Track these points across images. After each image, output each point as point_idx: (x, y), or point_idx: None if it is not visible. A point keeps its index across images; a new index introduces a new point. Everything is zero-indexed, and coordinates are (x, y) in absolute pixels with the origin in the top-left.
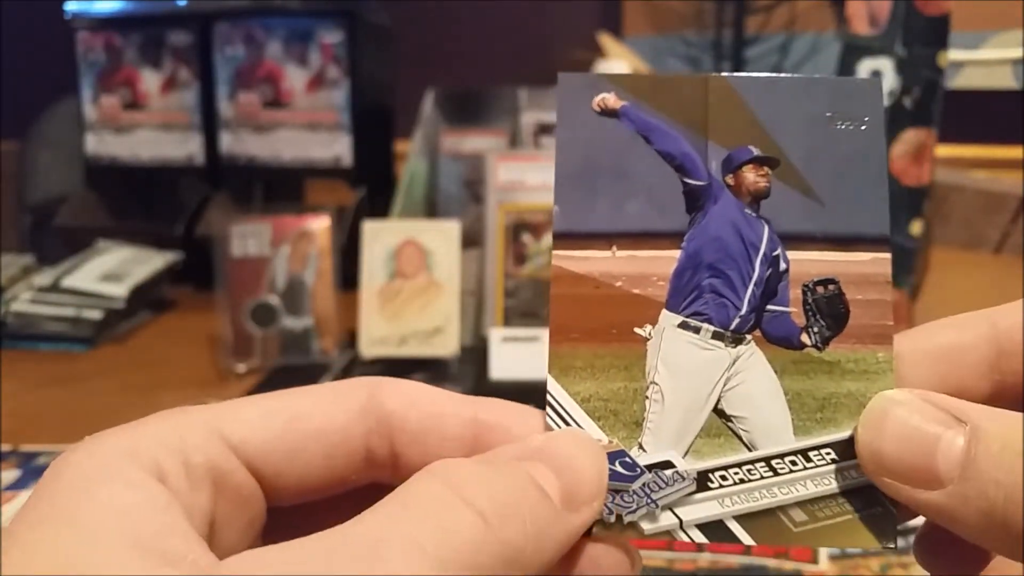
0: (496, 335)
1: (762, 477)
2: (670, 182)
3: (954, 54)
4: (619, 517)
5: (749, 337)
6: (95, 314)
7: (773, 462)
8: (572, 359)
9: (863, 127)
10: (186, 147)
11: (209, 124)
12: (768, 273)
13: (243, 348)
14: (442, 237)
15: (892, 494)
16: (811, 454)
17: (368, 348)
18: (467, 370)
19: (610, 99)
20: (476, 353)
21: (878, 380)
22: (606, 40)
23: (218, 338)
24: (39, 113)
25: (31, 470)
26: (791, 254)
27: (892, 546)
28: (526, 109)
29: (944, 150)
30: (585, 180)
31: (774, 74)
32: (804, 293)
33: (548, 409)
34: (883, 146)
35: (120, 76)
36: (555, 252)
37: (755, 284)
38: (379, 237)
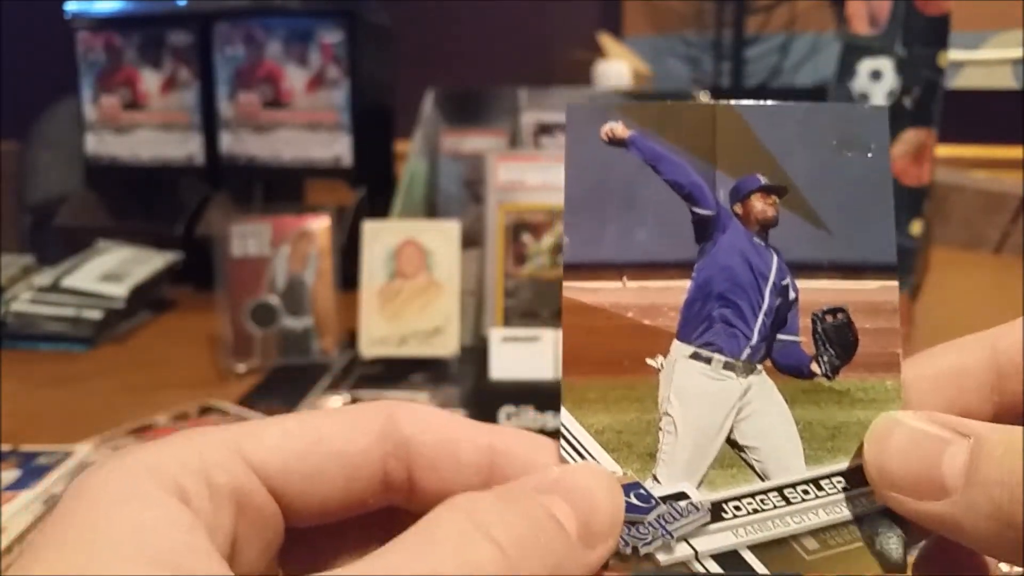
0: (496, 335)
1: (775, 507)
2: (679, 211)
3: (954, 54)
4: (635, 549)
5: (760, 367)
6: (95, 314)
7: (785, 491)
8: (585, 391)
9: (869, 154)
10: (186, 147)
11: (209, 124)
12: (778, 302)
13: (243, 348)
14: (442, 237)
15: (899, 508)
16: (823, 483)
17: (368, 348)
18: (467, 370)
19: (618, 129)
20: (476, 353)
21: (887, 408)
22: (606, 40)
23: (218, 338)
24: (39, 113)
25: (31, 470)
26: (800, 283)
27: (903, 572)
28: (526, 109)
29: (944, 150)
30: (594, 210)
31: (781, 103)
32: (813, 322)
33: (562, 441)
34: (889, 173)
35: (120, 76)
36: (565, 283)
37: (765, 314)
38: (379, 237)
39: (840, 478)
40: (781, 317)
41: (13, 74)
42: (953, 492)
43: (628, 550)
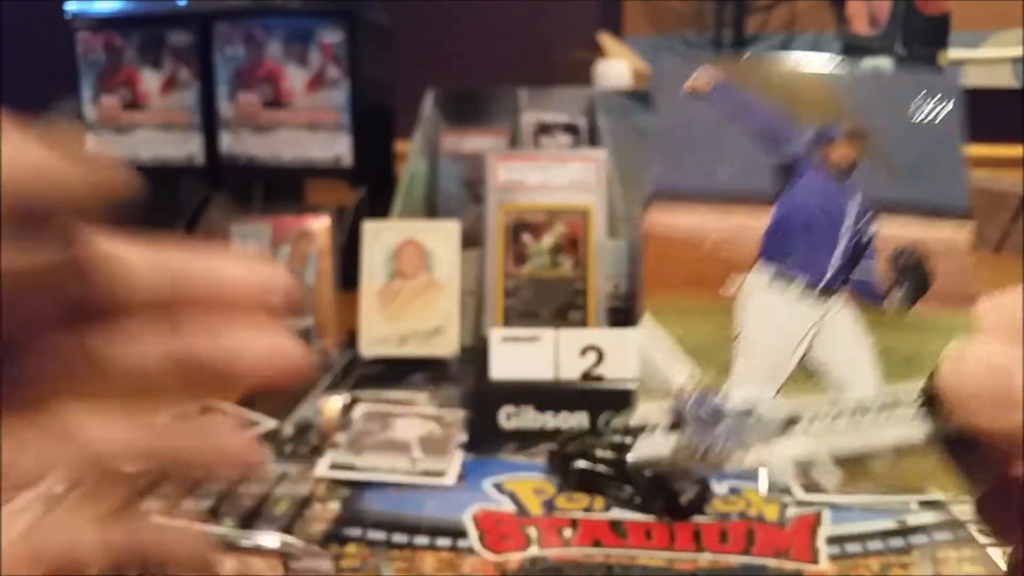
0: (496, 335)
1: (847, 422)
2: (759, 154)
3: (954, 53)
4: (707, 451)
5: (838, 294)
6: None
7: (858, 408)
8: (666, 303)
9: (943, 111)
10: (186, 147)
11: (209, 124)
12: (855, 239)
13: None
14: (442, 237)
15: (974, 423)
16: (895, 403)
17: (368, 348)
18: (467, 370)
19: (700, 82)
20: (476, 353)
21: (960, 338)
22: (606, 40)
23: None
24: (39, 113)
25: None
26: (878, 223)
27: (970, 494)
28: (526, 109)
29: None
30: (681, 147)
31: (859, 67)
32: (891, 257)
33: (640, 351)
34: (960, 128)
35: (120, 76)
36: (651, 209)
37: (844, 247)
38: (379, 237)
39: (913, 400)
40: (860, 252)
41: (13, 74)
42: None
43: (701, 451)
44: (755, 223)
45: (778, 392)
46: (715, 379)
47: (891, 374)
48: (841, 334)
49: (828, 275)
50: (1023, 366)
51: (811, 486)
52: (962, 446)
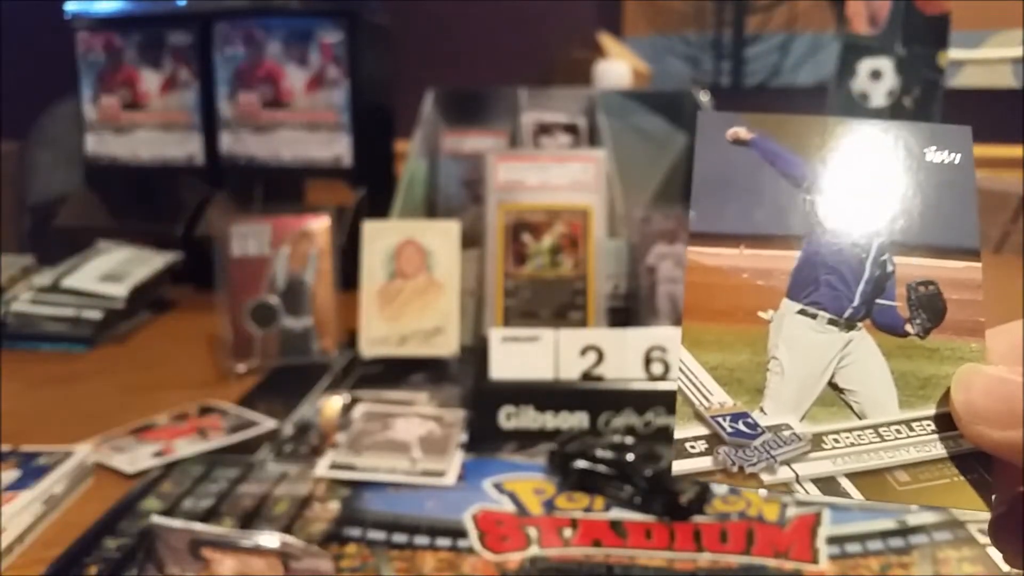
0: (496, 335)
1: (870, 442)
2: (791, 197)
3: (954, 53)
4: (741, 468)
5: (861, 325)
6: (95, 314)
7: (880, 430)
8: (702, 334)
9: (956, 161)
10: (186, 147)
11: (209, 124)
12: (877, 273)
13: (243, 348)
14: (442, 237)
15: (981, 440)
16: (914, 424)
17: (368, 348)
18: (467, 370)
19: (742, 131)
20: (476, 353)
21: (970, 362)
22: (606, 40)
23: (218, 338)
24: (39, 113)
25: (31, 470)
26: (897, 259)
27: (985, 509)
28: (526, 109)
29: None
30: (719, 192)
31: (881, 120)
32: (908, 291)
33: (680, 373)
34: (972, 177)
35: (120, 76)
36: (690, 248)
37: (866, 282)
38: (379, 237)
39: (930, 421)
40: (880, 286)
41: (13, 74)
42: None
43: (735, 469)
44: (786, 259)
45: (806, 415)
46: (749, 402)
47: (909, 397)
48: (864, 361)
49: (851, 307)
50: None
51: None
52: (977, 463)
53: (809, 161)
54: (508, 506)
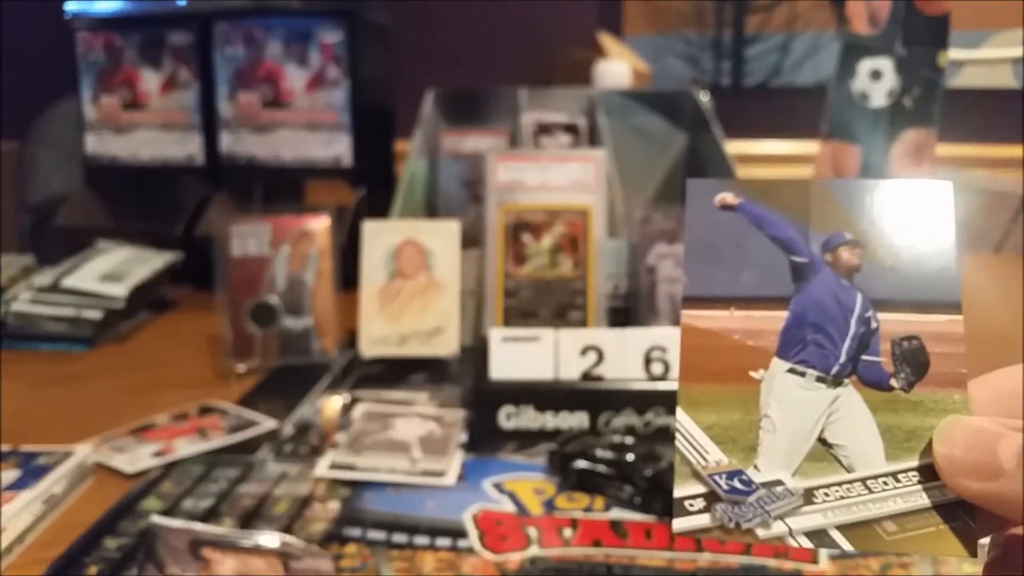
0: (496, 335)
1: (859, 495)
2: (778, 260)
3: (954, 53)
4: (738, 524)
5: (847, 381)
6: (95, 314)
7: (868, 482)
8: (698, 395)
9: (935, 216)
10: (186, 147)
11: (209, 124)
12: (862, 331)
13: (243, 348)
14: (442, 237)
15: (963, 491)
16: (900, 476)
17: (368, 348)
18: (467, 370)
19: (729, 197)
20: (476, 353)
21: (952, 414)
22: (606, 40)
23: (218, 338)
24: (39, 113)
25: (31, 470)
26: (880, 315)
27: (972, 556)
28: (526, 109)
29: (944, 150)
30: (709, 256)
31: (862, 179)
32: (892, 346)
33: (677, 434)
34: (953, 231)
35: (120, 76)
36: (684, 311)
37: (851, 339)
38: (379, 237)
39: (915, 472)
40: (865, 342)
41: (13, 74)
42: (1008, 472)
43: (732, 525)
44: (775, 319)
45: (797, 471)
46: (744, 460)
47: (895, 449)
48: (851, 417)
49: (838, 364)
50: (1006, 435)
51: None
52: (961, 511)
53: (794, 223)
54: (508, 506)
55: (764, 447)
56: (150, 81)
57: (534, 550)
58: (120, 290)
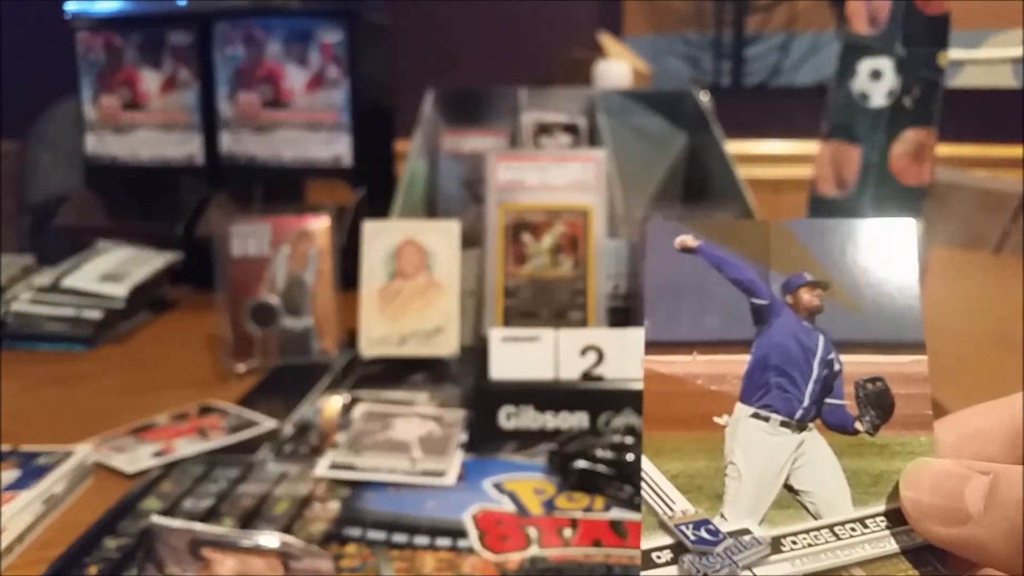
0: (496, 335)
1: (827, 541)
2: (740, 302)
3: (954, 53)
4: (707, 574)
5: (811, 425)
6: (95, 314)
7: (835, 528)
8: (662, 443)
9: (898, 255)
10: (186, 147)
11: (209, 124)
12: (825, 373)
13: (243, 348)
14: (442, 237)
15: (931, 536)
16: (868, 521)
17: (368, 348)
18: (467, 370)
19: (688, 239)
20: (476, 353)
21: (918, 457)
22: (606, 40)
23: (218, 338)
24: (39, 113)
25: (31, 470)
26: (844, 357)
27: None
28: (526, 109)
29: (944, 149)
30: (670, 300)
31: (823, 219)
32: (856, 389)
33: (643, 484)
34: (915, 270)
35: (120, 76)
36: (646, 357)
37: (814, 382)
38: (379, 237)
39: (883, 517)
40: (828, 385)
41: (13, 74)
42: (975, 517)
43: (702, 573)
44: (738, 363)
45: (764, 519)
46: (710, 508)
47: (862, 495)
48: (816, 462)
49: (802, 408)
50: (973, 478)
51: None
52: (930, 556)
53: (754, 265)
54: (508, 506)
55: (730, 495)
56: (150, 81)
57: (534, 550)
58: (120, 290)
